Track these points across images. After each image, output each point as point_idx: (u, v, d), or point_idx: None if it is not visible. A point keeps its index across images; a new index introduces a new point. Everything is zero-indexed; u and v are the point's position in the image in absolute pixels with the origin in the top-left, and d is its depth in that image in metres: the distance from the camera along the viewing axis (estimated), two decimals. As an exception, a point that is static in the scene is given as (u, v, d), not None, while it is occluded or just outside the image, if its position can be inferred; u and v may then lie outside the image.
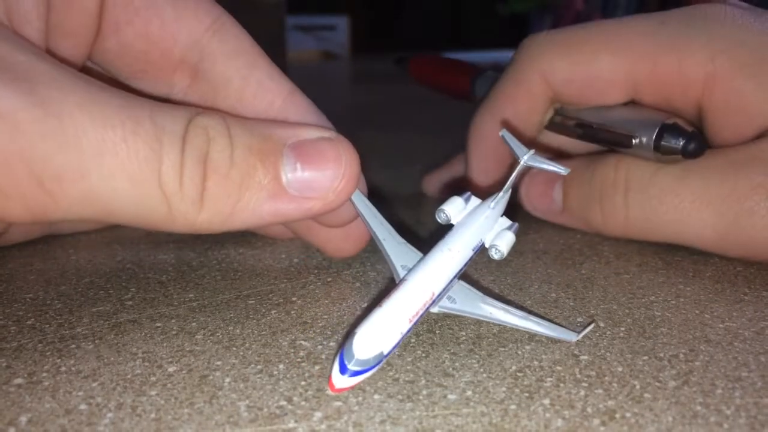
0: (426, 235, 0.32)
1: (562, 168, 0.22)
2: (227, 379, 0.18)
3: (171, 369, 0.18)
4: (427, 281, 0.19)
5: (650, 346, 0.20)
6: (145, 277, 0.26)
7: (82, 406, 0.17)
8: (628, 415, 0.16)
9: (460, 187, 0.30)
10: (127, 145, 0.17)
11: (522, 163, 0.22)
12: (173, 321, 0.22)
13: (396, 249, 0.21)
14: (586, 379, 0.18)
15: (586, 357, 0.19)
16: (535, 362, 0.19)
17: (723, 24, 0.26)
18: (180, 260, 0.28)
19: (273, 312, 0.22)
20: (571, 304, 0.23)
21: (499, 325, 0.21)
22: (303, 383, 0.18)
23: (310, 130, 0.21)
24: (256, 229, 0.29)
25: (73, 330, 0.21)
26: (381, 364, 0.17)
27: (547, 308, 0.23)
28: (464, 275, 0.21)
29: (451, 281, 0.20)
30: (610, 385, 0.18)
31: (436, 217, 0.22)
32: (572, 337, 0.20)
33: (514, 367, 0.19)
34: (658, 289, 0.25)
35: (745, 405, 0.17)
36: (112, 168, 0.17)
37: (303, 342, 0.20)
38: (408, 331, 0.18)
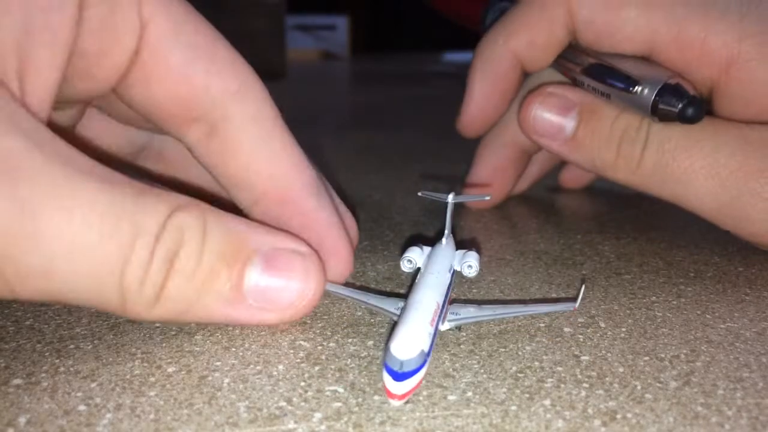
0: (430, 234, 0.32)
1: (483, 196, 0.25)
2: (226, 380, 0.18)
3: (170, 369, 0.18)
4: (428, 295, 0.20)
5: (651, 346, 0.20)
6: (144, 277, 0.25)
7: (81, 407, 0.16)
8: (629, 415, 0.16)
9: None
10: (101, 248, 0.17)
11: (450, 202, 0.24)
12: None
13: (385, 301, 0.22)
14: (587, 379, 0.18)
15: (586, 357, 0.19)
16: (536, 363, 0.19)
17: (759, 4, 0.26)
18: (179, 260, 0.27)
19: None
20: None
21: (503, 320, 0.22)
22: (303, 384, 0.18)
23: (285, 240, 0.20)
24: None
25: (71, 330, 0.21)
26: (427, 364, 0.17)
27: (548, 308, 0.23)
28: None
29: (446, 298, 0.21)
30: (611, 386, 0.18)
31: (402, 266, 0.24)
32: (571, 306, 0.21)
33: (514, 368, 0.19)
34: (659, 290, 0.25)
35: (747, 406, 0.17)
36: (79, 267, 0.17)
37: (303, 342, 0.20)
38: (434, 335, 0.19)
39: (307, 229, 0.22)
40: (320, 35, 2.22)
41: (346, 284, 0.24)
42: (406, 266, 0.24)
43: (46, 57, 0.18)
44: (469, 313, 0.21)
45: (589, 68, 0.29)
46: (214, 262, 0.19)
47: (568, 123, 0.29)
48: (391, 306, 0.21)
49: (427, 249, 0.24)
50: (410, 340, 0.17)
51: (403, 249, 0.25)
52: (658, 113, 0.26)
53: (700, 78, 0.27)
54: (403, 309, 0.19)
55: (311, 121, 0.75)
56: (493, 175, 0.35)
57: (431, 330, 0.18)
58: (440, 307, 0.20)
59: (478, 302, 0.23)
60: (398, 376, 0.16)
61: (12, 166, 0.16)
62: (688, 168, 0.26)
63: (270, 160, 0.23)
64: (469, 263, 0.24)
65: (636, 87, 0.26)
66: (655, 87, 0.26)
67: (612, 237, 0.31)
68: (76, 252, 0.17)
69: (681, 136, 0.26)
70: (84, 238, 0.17)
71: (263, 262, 0.20)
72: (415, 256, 0.24)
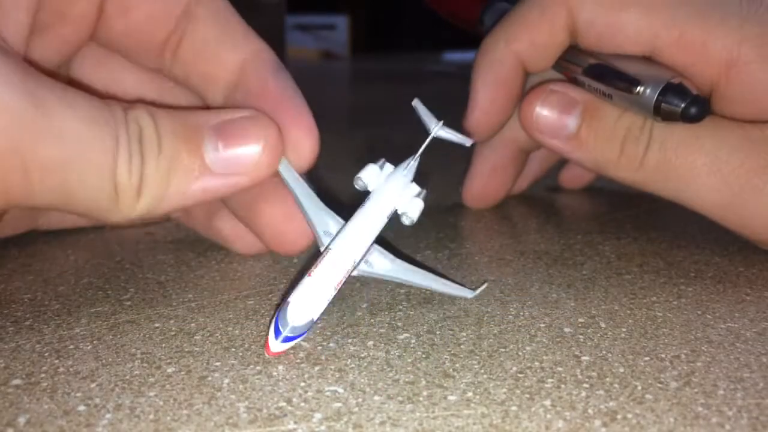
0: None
1: (468, 140, 0.24)
2: (226, 380, 0.18)
3: (170, 370, 0.18)
4: (348, 250, 0.20)
5: (652, 346, 0.20)
6: (143, 278, 0.25)
7: (81, 407, 0.16)
8: (629, 416, 0.16)
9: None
10: (99, 139, 0.19)
11: (432, 134, 0.24)
12: (172, 321, 0.22)
13: (319, 216, 0.22)
14: (587, 380, 0.18)
15: (587, 358, 0.19)
16: (536, 363, 0.19)
17: (759, 7, 0.26)
18: (179, 260, 0.27)
19: (272, 312, 0.22)
20: (572, 304, 0.23)
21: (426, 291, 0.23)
22: (302, 384, 0.18)
23: (230, 112, 0.22)
24: (207, 234, 0.30)
25: (71, 331, 0.21)
26: (311, 330, 0.19)
27: (548, 308, 0.23)
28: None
29: (369, 248, 0.21)
30: (611, 386, 0.18)
31: (354, 184, 0.23)
32: (469, 294, 0.22)
33: (514, 368, 0.19)
34: (660, 290, 0.25)
35: (747, 406, 0.17)
36: (85, 159, 0.19)
37: (302, 343, 0.20)
38: (333, 297, 0.20)
39: (266, 102, 0.23)
40: (320, 35, 2.22)
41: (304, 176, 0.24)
42: (358, 185, 0.23)
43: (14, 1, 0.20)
44: (381, 264, 0.22)
45: (591, 69, 0.29)
46: (172, 143, 0.21)
47: (571, 121, 0.29)
48: (322, 227, 0.22)
49: (386, 169, 0.24)
50: (306, 308, 0.19)
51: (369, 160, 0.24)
52: (661, 113, 0.26)
53: (700, 79, 0.27)
54: (320, 258, 0.20)
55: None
56: (491, 173, 0.35)
57: (332, 295, 0.20)
58: (356, 263, 0.21)
59: (398, 257, 0.23)
60: (281, 337, 0.19)
61: (19, 70, 0.18)
62: (690, 165, 0.26)
63: (234, 50, 0.25)
64: (408, 213, 0.23)
65: (638, 87, 0.26)
66: (658, 86, 0.26)
67: (612, 237, 0.31)
68: (83, 142, 0.19)
69: (683, 134, 0.26)
70: (86, 133, 0.19)
71: (215, 133, 0.21)
72: (368, 178, 0.23)
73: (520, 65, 0.31)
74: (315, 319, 0.19)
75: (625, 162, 0.28)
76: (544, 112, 0.30)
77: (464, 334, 0.21)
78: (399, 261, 0.22)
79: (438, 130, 0.24)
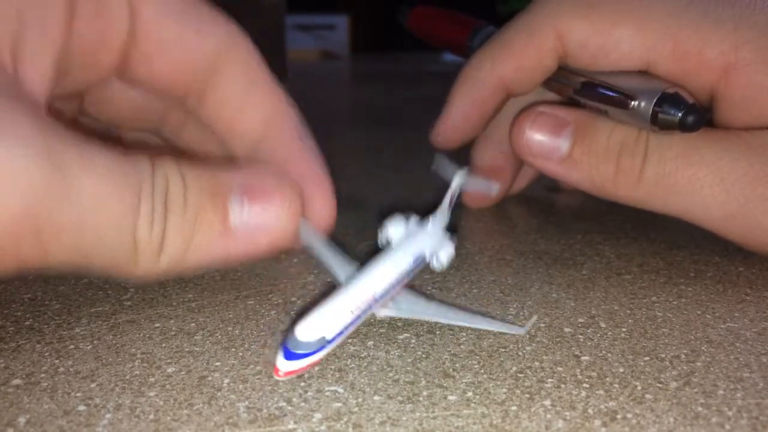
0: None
1: (495, 186, 0.26)
2: (226, 380, 0.18)
3: (170, 370, 0.18)
4: (367, 283, 0.20)
5: (651, 346, 0.20)
6: (144, 277, 0.25)
7: (81, 407, 0.16)
8: (629, 416, 0.16)
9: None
10: (119, 199, 0.18)
11: (457, 178, 0.25)
12: (172, 321, 0.22)
13: (340, 264, 0.22)
14: (587, 379, 0.18)
15: (587, 358, 0.19)
16: (536, 363, 0.19)
17: (753, 10, 0.26)
18: (179, 260, 0.27)
19: (272, 312, 0.22)
20: (572, 304, 0.23)
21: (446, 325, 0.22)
22: (302, 384, 0.18)
23: (256, 172, 0.22)
24: None
25: (71, 330, 0.21)
26: (326, 350, 0.18)
27: (548, 308, 0.23)
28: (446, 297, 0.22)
29: (393, 286, 0.21)
30: (611, 386, 0.18)
31: (378, 237, 0.23)
32: (520, 330, 0.21)
33: (514, 368, 0.19)
34: (660, 290, 0.25)
35: (747, 406, 0.17)
36: (103, 219, 0.18)
37: (303, 342, 0.20)
38: (352, 323, 0.19)
39: (292, 168, 0.24)
40: (320, 35, 2.22)
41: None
42: (382, 240, 0.23)
43: (39, 48, 0.20)
44: (411, 306, 0.21)
45: (583, 88, 0.29)
46: (198, 198, 0.20)
47: (563, 142, 0.29)
48: (343, 274, 0.22)
49: (414, 222, 0.24)
50: (316, 325, 0.18)
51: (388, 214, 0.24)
52: (658, 122, 0.26)
53: (699, 87, 0.27)
54: (337, 288, 0.20)
55: (311, 120, 0.75)
56: (490, 173, 0.35)
57: (350, 318, 0.19)
58: (376, 297, 0.20)
59: (434, 299, 0.23)
60: (289, 355, 0.17)
61: (39, 132, 0.17)
62: (691, 177, 0.26)
63: (259, 106, 0.25)
64: (439, 256, 0.23)
65: (633, 102, 0.26)
66: (653, 97, 0.26)
67: (612, 237, 0.31)
68: (101, 205, 0.18)
69: (682, 145, 0.26)
70: (105, 192, 0.18)
71: (242, 192, 0.21)
72: (393, 231, 0.23)
73: (503, 88, 0.31)
74: (328, 339, 0.18)
75: (623, 178, 0.27)
76: (534, 136, 0.29)
77: (464, 334, 0.21)
78: (436, 303, 0.22)
79: (460, 179, 0.25)
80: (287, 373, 0.17)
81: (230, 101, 0.24)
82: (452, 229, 0.25)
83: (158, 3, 0.23)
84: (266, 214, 0.21)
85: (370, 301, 0.20)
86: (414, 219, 0.24)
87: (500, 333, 0.21)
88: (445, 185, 0.25)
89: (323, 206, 0.24)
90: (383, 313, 0.21)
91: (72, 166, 0.18)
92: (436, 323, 0.21)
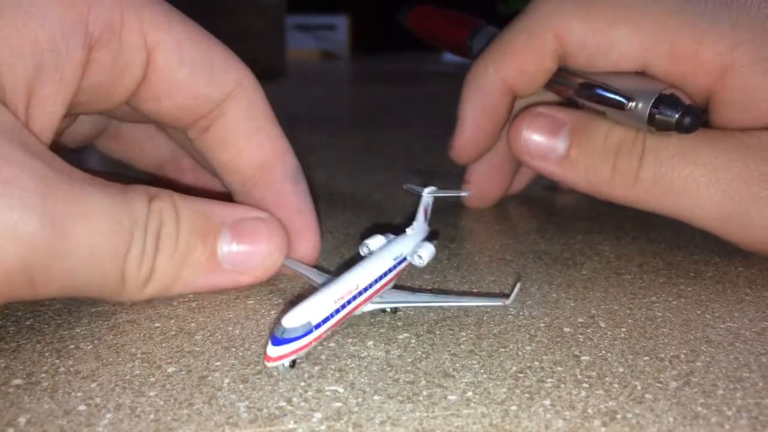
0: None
1: (464, 192, 0.27)
2: (226, 380, 0.18)
3: (170, 369, 0.18)
4: (350, 277, 0.21)
5: (651, 346, 0.20)
6: (144, 277, 0.25)
7: (81, 407, 0.16)
8: (629, 415, 0.16)
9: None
10: (110, 243, 0.20)
11: (425, 195, 0.26)
12: (172, 321, 0.22)
13: (324, 277, 0.24)
14: (586, 379, 0.18)
15: (586, 357, 0.19)
16: (536, 363, 0.19)
17: (749, 11, 0.26)
18: (179, 260, 0.27)
19: (272, 312, 0.22)
20: (572, 304, 0.23)
21: (446, 310, 0.22)
22: (302, 384, 0.18)
23: (246, 210, 0.24)
24: None
25: (71, 330, 0.21)
26: (313, 335, 0.19)
27: (548, 308, 0.23)
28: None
29: (376, 281, 0.22)
30: (611, 386, 0.18)
31: (360, 250, 0.24)
32: (504, 301, 0.21)
33: (514, 368, 0.19)
34: (659, 290, 0.25)
35: (747, 405, 0.17)
36: (95, 264, 0.20)
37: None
38: (338, 311, 0.20)
39: (282, 209, 0.25)
40: (320, 35, 2.22)
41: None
42: (363, 251, 0.24)
43: (51, 94, 0.21)
44: (395, 297, 0.22)
45: (582, 88, 0.29)
46: (189, 238, 0.22)
47: (560, 143, 0.29)
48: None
49: (391, 237, 0.25)
50: (300, 312, 0.18)
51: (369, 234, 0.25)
52: (655, 123, 0.26)
53: (695, 88, 0.27)
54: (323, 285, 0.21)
55: (311, 120, 0.75)
56: (489, 172, 0.35)
57: (334, 307, 0.20)
58: (359, 289, 0.21)
59: (418, 290, 0.24)
60: (276, 341, 0.18)
61: (39, 185, 0.18)
62: (688, 177, 0.26)
63: (258, 150, 0.25)
64: (420, 254, 0.24)
65: (630, 102, 0.26)
66: (651, 98, 0.26)
67: (612, 237, 0.31)
68: (94, 252, 0.19)
69: (678, 145, 0.26)
70: (98, 239, 0.19)
71: (231, 231, 0.23)
72: (373, 244, 0.24)
73: (508, 91, 0.31)
74: (314, 324, 0.19)
75: (620, 178, 0.27)
76: (532, 136, 0.29)
77: (464, 333, 0.21)
78: (420, 293, 0.23)
79: (428, 193, 0.26)
80: (276, 359, 0.18)
81: (231, 142, 0.25)
82: (433, 237, 0.26)
83: (174, 50, 0.23)
84: (252, 256, 0.23)
85: (353, 291, 0.20)
86: (391, 235, 0.25)
87: (484, 308, 0.22)
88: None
89: (308, 248, 0.25)
90: (369, 307, 0.22)
91: (70, 223, 0.19)
92: (436, 324, 0.21)
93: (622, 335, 0.21)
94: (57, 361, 0.19)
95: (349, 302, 0.20)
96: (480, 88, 0.31)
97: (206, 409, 0.16)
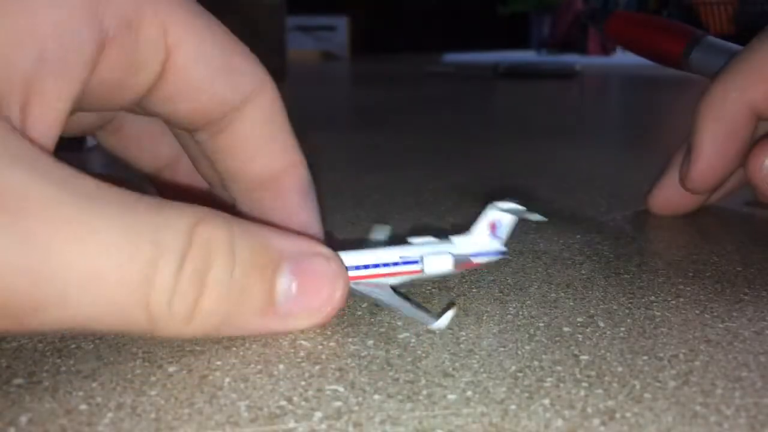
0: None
1: (540, 218, 0.24)
2: (227, 379, 0.18)
3: (171, 369, 0.19)
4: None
5: (650, 346, 0.20)
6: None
7: (82, 406, 0.17)
8: (628, 415, 0.16)
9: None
10: (120, 273, 0.16)
11: (489, 208, 0.24)
12: (173, 321, 0.22)
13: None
14: (586, 379, 0.18)
15: (586, 357, 0.19)
16: (535, 362, 0.19)
17: None
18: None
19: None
20: (571, 304, 0.23)
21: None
22: (303, 383, 0.18)
23: (309, 245, 0.20)
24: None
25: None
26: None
27: (547, 308, 0.23)
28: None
29: (367, 268, 0.22)
30: (610, 385, 0.18)
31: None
32: (431, 322, 0.20)
33: (513, 367, 0.19)
34: (658, 289, 0.25)
35: (745, 405, 0.17)
36: (97, 296, 0.16)
37: (303, 342, 0.20)
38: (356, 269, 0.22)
39: (287, 225, 0.23)
40: (320, 36, 2.22)
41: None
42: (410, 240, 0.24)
43: (55, 89, 0.18)
44: (368, 288, 0.22)
45: None
46: (246, 275, 0.19)
47: None
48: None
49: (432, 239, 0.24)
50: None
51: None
52: None
53: None
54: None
55: (311, 121, 0.75)
56: (733, 150, 0.31)
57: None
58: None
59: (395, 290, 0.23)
60: None
61: (14, 200, 0.16)
62: None
63: (270, 159, 0.24)
64: (426, 258, 0.23)
65: None
66: None
67: (611, 237, 0.31)
68: (93, 280, 0.16)
69: None
70: (100, 266, 0.16)
71: (291, 268, 0.19)
72: (416, 239, 0.24)
73: (753, 115, 0.29)
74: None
75: None
76: None
77: (463, 333, 0.21)
78: (389, 291, 0.22)
79: (495, 208, 0.24)
80: None
81: (243, 148, 0.24)
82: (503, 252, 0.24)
83: (194, 48, 0.21)
84: (312, 299, 0.20)
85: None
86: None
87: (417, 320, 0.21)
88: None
89: None
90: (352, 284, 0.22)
91: (58, 244, 0.16)
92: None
93: (621, 335, 0.21)
94: (58, 360, 0.19)
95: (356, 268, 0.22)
96: (722, 114, 0.29)
97: (207, 408, 0.17)
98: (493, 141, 0.65)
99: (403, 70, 1.70)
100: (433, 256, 0.23)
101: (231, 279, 0.18)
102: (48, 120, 0.18)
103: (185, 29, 0.21)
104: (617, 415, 0.16)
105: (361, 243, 0.26)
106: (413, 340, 0.20)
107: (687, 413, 0.16)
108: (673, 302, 0.23)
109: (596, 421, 0.16)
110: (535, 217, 0.24)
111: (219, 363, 0.19)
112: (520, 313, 0.23)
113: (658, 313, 0.22)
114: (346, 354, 0.19)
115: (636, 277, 0.26)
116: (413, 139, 0.65)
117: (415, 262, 0.23)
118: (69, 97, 0.19)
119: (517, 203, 0.23)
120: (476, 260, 0.24)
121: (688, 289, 0.25)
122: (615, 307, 0.23)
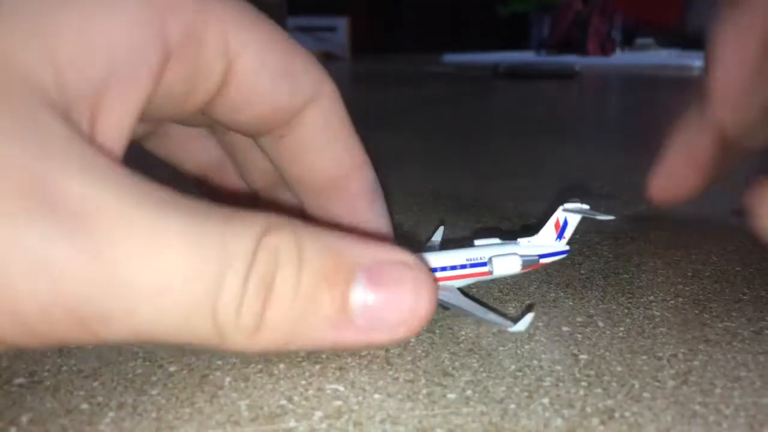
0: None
1: (609, 216, 0.24)
2: (228, 379, 0.18)
3: (172, 368, 0.19)
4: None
5: (649, 345, 0.20)
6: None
7: (84, 406, 0.17)
8: (627, 414, 0.16)
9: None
10: (187, 285, 0.16)
11: (561, 208, 0.24)
12: (174, 321, 0.22)
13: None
14: (585, 378, 0.18)
15: (585, 356, 0.19)
16: (535, 362, 0.19)
17: None
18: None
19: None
20: (570, 303, 0.23)
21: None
22: (303, 382, 0.18)
23: (388, 252, 0.19)
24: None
25: (73, 330, 0.21)
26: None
27: (547, 308, 0.23)
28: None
29: (434, 271, 0.22)
30: (609, 385, 0.18)
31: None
32: (510, 325, 0.20)
33: (513, 367, 0.19)
34: (657, 289, 0.25)
35: (744, 404, 0.17)
36: (164, 308, 0.16)
37: (303, 342, 0.20)
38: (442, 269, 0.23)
39: (357, 228, 0.23)
40: (321, 36, 2.22)
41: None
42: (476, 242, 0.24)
43: (123, 102, 0.18)
44: (446, 297, 0.22)
45: None
46: (315, 284, 0.18)
47: None
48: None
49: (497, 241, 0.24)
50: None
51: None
52: None
53: None
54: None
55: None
56: (684, 163, 0.31)
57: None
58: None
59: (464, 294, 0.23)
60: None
61: (84, 210, 0.15)
62: None
63: (334, 162, 0.23)
64: (493, 261, 0.23)
65: None
66: None
67: (610, 237, 0.31)
68: (161, 293, 0.16)
69: None
70: (168, 278, 0.16)
71: (367, 277, 0.18)
72: (481, 240, 0.24)
73: (765, 41, 0.27)
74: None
75: None
76: None
77: (463, 332, 0.21)
78: (459, 296, 0.22)
79: (564, 210, 0.24)
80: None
81: (306, 153, 0.23)
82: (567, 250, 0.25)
83: (256, 57, 0.21)
84: (392, 310, 0.18)
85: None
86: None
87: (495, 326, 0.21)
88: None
89: None
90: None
91: (126, 256, 0.15)
92: (436, 322, 0.22)
93: (621, 334, 0.21)
94: (59, 360, 0.19)
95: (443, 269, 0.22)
96: (736, 32, 0.28)
97: (207, 407, 0.17)
98: (492, 141, 0.66)
99: (403, 70, 1.70)
100: (501, 258, 0.23)
101: (299, 289, 0.17)
102: (116, 132, 0.18)
103: (247, 36, 0.21)
104: (616, 415, 0.16)
105: (419, 246, 0.26)
106: (413, 340, 0.20)
107: (686, 413, 0.16)
108: (672, 302, 0.24)
109: (595, 421, 0.16)
110: (602, 216, 0.23)
111: (219, 362, 0.19)
112: (520, 312, 0.23)
113: (657, 313, 0.23)
114: (346, 353, 0.20)
115: (635, 276, 0.26)
116: (413, 139, 0.65)
117: (483, 264, 0.23)
118: (135, 110, 0.18)
119: (581, 203, 0.24)
120: (543, 261, 0.24)
121: (687, 288, 0.25)
122: (614, 307, 0.23)
